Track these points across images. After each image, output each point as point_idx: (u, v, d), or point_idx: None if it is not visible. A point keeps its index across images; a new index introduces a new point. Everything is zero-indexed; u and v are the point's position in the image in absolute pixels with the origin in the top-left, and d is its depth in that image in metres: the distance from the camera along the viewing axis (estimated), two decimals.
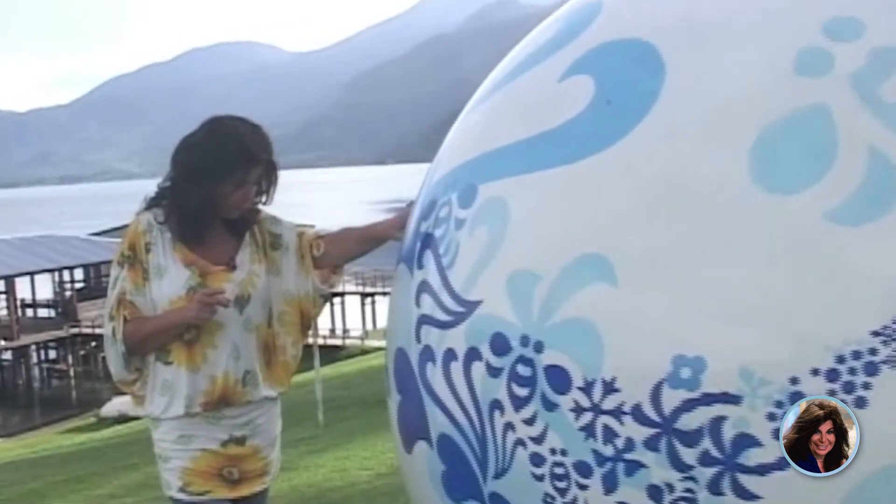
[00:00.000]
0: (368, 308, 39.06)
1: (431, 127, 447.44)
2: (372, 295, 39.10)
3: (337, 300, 36.07)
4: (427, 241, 2.09)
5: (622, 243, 1.66)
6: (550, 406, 1.69)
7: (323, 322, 25.10)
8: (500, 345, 1.79)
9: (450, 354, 1.91)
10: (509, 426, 1.77)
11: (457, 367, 1.88)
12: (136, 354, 2.55)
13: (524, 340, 1.74)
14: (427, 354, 1.99)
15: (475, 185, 1.96)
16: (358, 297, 39.20)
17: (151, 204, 2.64)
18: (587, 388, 1.64)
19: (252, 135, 2.55)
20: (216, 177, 2.51)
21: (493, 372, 1.80)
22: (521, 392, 1.74)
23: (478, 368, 1.83)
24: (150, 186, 2.67)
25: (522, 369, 1.74)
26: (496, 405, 1.79)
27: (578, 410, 1.65)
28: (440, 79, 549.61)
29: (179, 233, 2.56)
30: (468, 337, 1.86)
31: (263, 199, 2.66)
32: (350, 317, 37.20)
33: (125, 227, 2.63)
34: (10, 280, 36.51)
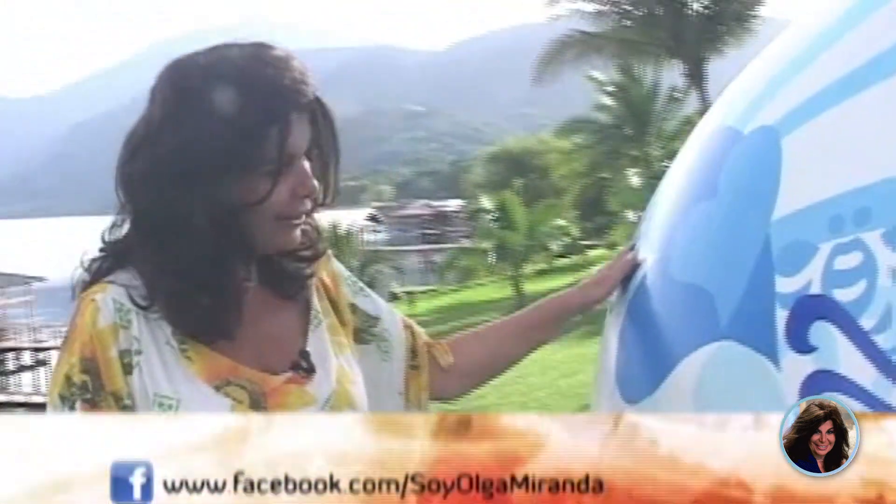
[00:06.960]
0: None
1: None
2: None
3: None
4: (810, 308, 1.34)
5: None
6: None
7: None
8: None
9: None
10: None
11: None
12: None
13: None
14: None
15: None
16: None
17: (113, 264, 1.16)
18: None
19: (256, 57, 1.12)
20: (233, 163, 1.10)
21: None
22: None
23: None
24: None
25: None
26: None
27: None
28: None
29: (195, 320, 1.14)
30: None
31: (327, 192, 1.21)
32: None
33: None
34: None
